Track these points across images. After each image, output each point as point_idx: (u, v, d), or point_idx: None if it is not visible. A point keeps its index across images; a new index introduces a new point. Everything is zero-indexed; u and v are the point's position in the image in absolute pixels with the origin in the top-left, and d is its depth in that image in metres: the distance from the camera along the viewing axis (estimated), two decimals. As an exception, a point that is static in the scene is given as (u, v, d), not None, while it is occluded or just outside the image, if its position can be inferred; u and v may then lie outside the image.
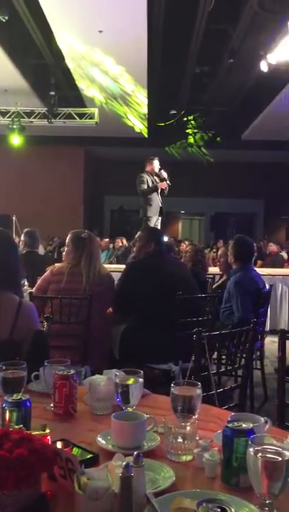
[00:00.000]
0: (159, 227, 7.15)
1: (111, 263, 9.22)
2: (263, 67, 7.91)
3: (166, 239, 7.63)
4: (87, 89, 10.84)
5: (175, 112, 12.27)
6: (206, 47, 8.62)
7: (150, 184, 7.07)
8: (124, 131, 12.93)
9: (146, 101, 10.86)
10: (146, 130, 12.65)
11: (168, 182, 7.11)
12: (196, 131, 13.73)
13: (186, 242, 7.50)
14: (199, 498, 0.94)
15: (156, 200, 7.13)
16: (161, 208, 7.19)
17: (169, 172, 7.27)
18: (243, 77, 9.85)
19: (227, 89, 10.74)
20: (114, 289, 3.57)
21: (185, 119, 13.03)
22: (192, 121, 13.29)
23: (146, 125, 12.62)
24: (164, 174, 7.14)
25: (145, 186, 7.03)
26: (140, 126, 12.34)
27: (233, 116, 12.42)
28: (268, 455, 1.04)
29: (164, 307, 3.35)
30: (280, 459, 1.03)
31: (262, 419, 1.40)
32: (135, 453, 1.07)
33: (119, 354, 3.45)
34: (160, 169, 7.20)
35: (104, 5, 6.76)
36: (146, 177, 7.09)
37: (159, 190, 7.06)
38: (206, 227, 18.76)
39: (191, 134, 13.83)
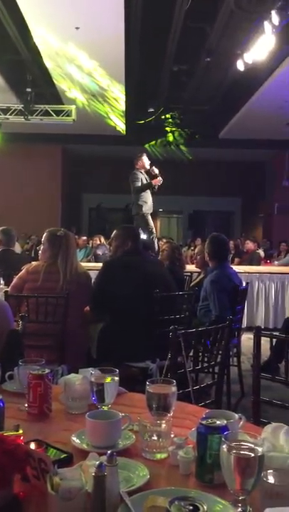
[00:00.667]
0: (150, 222, 7.18)
1: (89, 261, 9.17)
2: (240, 66, 7.96)
3: (144, 237, 7.66)
4: (68, 90, 10.81)
5: (153, 109, 12.27)
6: (184, 45, 8.64)
7: (144, 181, 7.03)
8: (102, 129, 12.88)
9: (124, 98, 10.83)
10: (124, 128, 12.63)
11: (160, 178, 7.05)
12: (174, 129, 13.77)
13: (164, 240, 7.50)
14: (172, 496, 0.94)
15: (150, 197, 7.12)
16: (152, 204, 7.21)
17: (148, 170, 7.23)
18: (220, 76, 9.90)
19: (205, 88, 10.78)
20: (92, 288, 3.56)
21: (163, 117, 13.05)
22: (170, 120, 13.32)
23: (125, 123, 12.59)
24: (156, 170, 7.10)
25: (139, 184, 6.98)
26: (122, 126, 12.30)
27: (211, 114, 12.48)
28: (241, 452, 1.05)
29: (141, 305, 3.35)
30: (253, 455, 1.04)
31: (236, 415, 1.41)
32: (108, 452, 1.06)
33: (97, 353, 3.44)
34: (151, 165, 7.16)
35: (80, 1, 6.71)
36: (139, 174, 7.05)
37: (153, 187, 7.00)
38: (184, 225, 18.83)
39: (169, 132, 13.86)
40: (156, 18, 7.85)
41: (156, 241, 7.42)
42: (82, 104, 11.35)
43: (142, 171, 7.12)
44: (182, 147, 14.39)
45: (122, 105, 11.35)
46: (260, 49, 7.25)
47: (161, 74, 10.05)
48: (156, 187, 7.05)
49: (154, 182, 6.97)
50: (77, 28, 7.47)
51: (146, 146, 14.34)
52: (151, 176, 7.09)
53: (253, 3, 6.60)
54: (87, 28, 7.45)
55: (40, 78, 10.30)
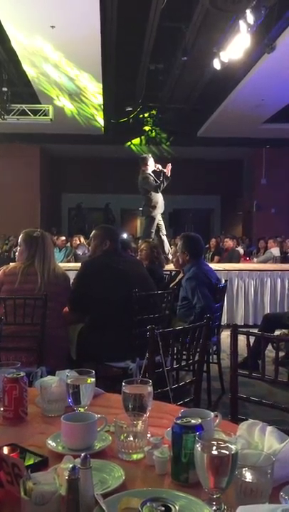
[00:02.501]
0: (162, 223, 7.34)
1: (69, 261, 9.11)
2: (216, 65, 8.01)
3: (125, 236, 7.65)
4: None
5: (131, 108, 12.26)
6: (160, 44, 8.66)
7: (154, 181, 7.18)
8: (80, 128, 12.82)
9: (101, 97, 10.79)
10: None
11: (165, 171, 7.19)
12: (152, 128, 13.78)
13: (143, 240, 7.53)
14: (146, 497, 0.94)
15: (161, 198, 7.28)
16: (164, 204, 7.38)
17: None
18: (197, 75, 9.94)
19: (182, 87, 10.82)
20: (70, 288, 3.54)
21: (141, 116, 13.05)
22: (148, 119, 13.33)
23: (103, 122, 12.56)
24: (160, 167, 7.28)
25: (154, 183, 7.14)
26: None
27: (189, 113, 12.53)
28: (214, 450, 1.05)
29: (121, 305, 3.35)
30: (226, 453, 1.04)
31: (212, 413, 1.41)
32: (82, 454, 1.06)
33: (77, 354, 3.43)
34: (156, 165, 7.34)
35: (56, 0, 6.66)
36: (149, 174, 7.22)
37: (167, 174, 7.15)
38: (164, 224, 18.85)
39: (148, 131, 13.87)
40: (132, 17, 7.84)
41: (166, 240, 7.65)
42: (70, 112, 11.40)
43: (150, 172, 7.29)
44: (164, 146, 14.41)
45: (100, 104, 11.31)
46: (235, 48, 7.31)
47: (139, 73, 10.05)
48: (167, 176, 7.17)
49: (167, 170, 7.14)
50: (52, 27, 7.41)
51: (132, 145, 14.34)
52: (158, 173, 7.25)
53: (228, 2, 6.64)
54: (62, 27, 7.40)
55: (16, 77, 10.21)
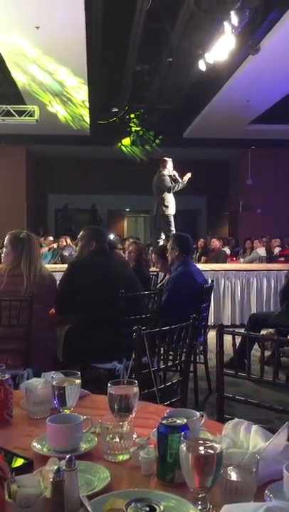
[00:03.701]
0: (173, 224, 7.42)
1: (55, 263, 9.08)
2: (202, 66, 8.04)
3: (112, 237, 7.65)
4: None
5: (117, 109, 12.24)
6: (146, 45, 8.66)
7: (170, 182, 7.35)
8: (67, 129, 12.78)
9: (87, 98, 10.77)
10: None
11: (179, 179, 7.42)
12: (138, 128, 13.78)
13: (130, 241, 7.54)
14: (131, 498, 0.94)
15: (174, 199, 7.43)
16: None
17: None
18: (183, 76, 9.97)
19: (168, 87, 10.83)
20: (57, 290, 3.53)
21: (127, 116, 13.04)
22: (134, 119, 13.32)
23: (89, 123, 12.53)
24: (176, 174, 7.47)
25: (169, 183, 7.31)
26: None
27: (175, 114, 12.55)
28: (199, 450, 1.06)
29: (107, 306, 3.34)
30: (211, 452, 1.04)
31: (197, 413, 1.42)
32: (67, 456, 1.06)
33: (63, 355, 3.42)
34: (172, 170, 7.51)
35: (40, 1, 6.62)
36: (166, 175, 7.39)
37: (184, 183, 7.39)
38: (151, 225, 18.88)
39: (133, 132, 13.87)
40: (118, 18, 7.84)
41: None
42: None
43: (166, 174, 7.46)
44: (155, 144, 14.42)
45: (85, 105, 11.28)
46: (220, 49, 7.35)
47: (124, 73, 10.04)
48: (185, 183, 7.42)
49: (184, 179, 7.38)
50: (37, 28, 7.38)
51: (122, 146, 14.33)
52: (173, 179, 7.43)
53: (213, 3, 6.67)
54: (47, 27, 7.37)
55: (1, 78, 10.14)
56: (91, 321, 3.35)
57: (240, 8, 6.49)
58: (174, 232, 7.32)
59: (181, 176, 7.49)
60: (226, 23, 6.72)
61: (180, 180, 7.39)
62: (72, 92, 10.45)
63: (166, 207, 7.35)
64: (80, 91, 10.37)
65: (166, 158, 7.63)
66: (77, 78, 9.55)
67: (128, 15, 7.55)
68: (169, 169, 7.50)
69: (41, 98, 10.65)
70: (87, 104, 11.00)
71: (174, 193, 7.54)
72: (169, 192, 7.34)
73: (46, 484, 1.04)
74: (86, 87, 10.07)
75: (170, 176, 7.45)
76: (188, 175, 7.49)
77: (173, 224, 7.47)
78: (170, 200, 7.40)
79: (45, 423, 1.37)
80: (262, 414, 2.70)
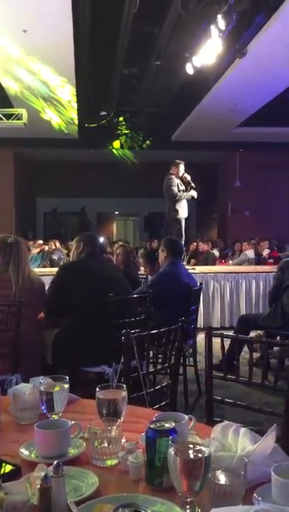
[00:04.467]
0: (183, 228, 7.37)
1: (44, 266, 9.03)
2: (189, 69, 8.07)
3: (101, 240, 7.61)
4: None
5: (105, 112, 12.24)
6: (133, 48, 8.67)
7: (179, 187, 7.26)
8: (55, 133, 12.76)
9: (75, 102, 10.76)
10: (73, 130, 12.58)
11: (192, 185, 7.35)
12: (127, 132, 13.80)
13: (118, 244, 7.55)
14: (119, 503, 0.93)
15: (185, 202, 7.35)
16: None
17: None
18: (170, 79, 9.99)
19: (156, 91, 10.86)
20: (46, 294, 3.52)
21: (116, 120, 13.05)
22: (123, 123, 13.34)
23: (77, 126, 12.52)
24: (188, 177, 7.37)
25: (176, 189, 7.21)
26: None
27: (163, 117, 12.58)
28: (188, 454, 1.06)
29: (97, 309, 3.34)
30: (199, 456, 1.04)
31: (186, 416, 1.42)
32: (55, 462, 1.05)
33: (52, 359, 3.40)
34: (184, 173, 7.40)
35: (27, 3, 6.61)
36: (175, 180, 7.28)
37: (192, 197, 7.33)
38: (140, 228, 18.91)
39: (122, 135, 13.88)
40: (105, 22, 7.84)
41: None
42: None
43: (176, 177, 7.37)
44: (129, 152, 14.47)
45: (74, 108, 11.27)
46: (208, 53, 7.37)
47: (112, 77, 10.05)
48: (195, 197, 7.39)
49: (194, 196, 7.32)
50: (24, 31, 7.36)
51: (114, 150, 14.33)
52: (185, 182, 7.35)
53: (200, 7, 6.68)
54: (35, 30, 7.35)
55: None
56: (80, 325, 3.35)
57: (227, 11, 6.52)
58: (184, 236, 7.38)
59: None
60: (213, 27, 6.75)
61: (192, 184, 7.32)
62: (61, 94, 10.43)
63: (177, 211, 7.27)
64: (68, 93, 10.35)
65: (177, 161, 7.52)
66: (64, 79, 9.51)
67: (116, 18, 7.56)
68: (179, 172, 7.39)
69: (34, 105, 10.63)
70: (74, 104, 10.98)
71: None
72: (173, 200, 7.24)
73: (34, 491, 1.03)
74: (74, 90, 10.05)
75: (182, 179, 7.36)
76: (187, 177, 7.38)
77: (183, 228, 7.41)
78: (181, 203, 7.31)
79: (33, 429, 1.36)
80: (251, 416, 2.70)
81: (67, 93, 10.24)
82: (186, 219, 7.50)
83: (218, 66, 8.27)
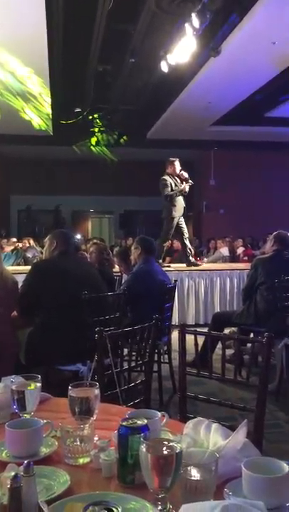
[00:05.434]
0: (184, 226, 7.44)
1: (18, 264, 8.93)
2: (164, 67, 8.08)
3: (77, 237, 7.53)
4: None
5: (80, 110, 12.16)
6: (108, 45, 8.63)
7: (173, 186, 7.27)
8: (28, 129, 12.60)
9: (49, 98, 10.65)
10: (45, 125, 12.42)
11: (190, 181, 7.37)
12: (102, 129, 13.74)
13: (91, 242, 7.51)
14: (90, 501, 0.93)
15: (180, 200, 7.34)
16: (184, 207, 7.49)
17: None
18: (145, 77, 9.99)
19: (131, 88, 10.83)
20: (19, 292, 3.48)
21: (91, 117, 12.98)
22: (98, 120, 13.27)
23: (50, 122, 12.39)
24: (185, 175, 7.37)
25: (169, 189, 7.25)
26: (38, 121, 12.06)
27: (138, 115, 12.57)
28: (159, 450, 1.06)
29: (71, 307, 3.32)
30: (170, 452, 1.05)
31: (158, 413, 1.42)
32: (25, 462, 1.04)
33: (26, 358, 3.37)
34: (180, 170, 7.40)
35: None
36: (168, 180, 7.31)
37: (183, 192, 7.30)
38: (115, 225, 18.86)
39: (97, 132, 13.82)
40: (79, 18, 7.78)
41: (188, 244, 7.81)
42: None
43: (172, 175, 7.39)
44: (106, 149, 14.43)
45: (47, 106, 11.16)
46: (182, 51, 7.39)
47: (87, 74, 9.98)
48: (186, 192, 7.38)
49: (184, 189, 7.31)
50: (-4, 25, 7.24)
51: (92, 147, 14.24)
52: (182, 180, 7.35)
53: (174, 5, 6.70)
54: (7, 26, 7.24)
55: None
56: (54, 323, 3.32)
57: (201, 10, 6.55)
58: (170, 236, 7.49)
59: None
60: (187, 25, 6.77)
61: (190, 181, 7.36)
62: (31, 85, 10.25)
63: (172, 210, 7.32)
64: (36, 84, 10.18)
65: (171, 159, 7.55)
66: (31, 70, 9.36)
67: (89, 15, 7.51)
68: (175, 170, 7.41)
69: (14, 104, 10.45)
70: (47, 99, 10.85)
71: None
72: (166, 199, 7.31)
73: (4, 491, 1.02)
74: (48, 87, 9.95)
75: (179, 177, 7.38)
76: (184, 174, 7.40)
77: (173, 229, 7.47)
78: (177, 203, 7.34)
79: (3, 429, 1.35)
80: (226, 412, 2.73)
81: (36, 84, 10.06)
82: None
83: (192, 64, 8.31)
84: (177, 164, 7.45)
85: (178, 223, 7.44)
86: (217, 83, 9.38)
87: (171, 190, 7.27)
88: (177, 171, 7.41)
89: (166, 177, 7.35)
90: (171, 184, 7.29)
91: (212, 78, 9.13)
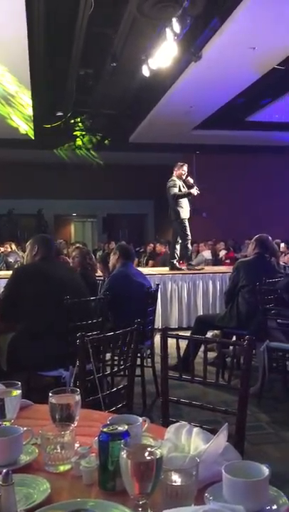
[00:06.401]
0: (188, 228, 7.47)
1: (0, 269, 8.86)
2: (145, 71, 8.10)
3: (59, 242, 7.46)
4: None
5: (62, 113, 12.12)
6: (89, 49, 8.63)
7: (181, 188, 7.41)
8: (9, 133, 12.52)
9: (30, 102, 10.59)
10: (32, 132, 12.38)
11: (197, 189, 7.48)
12: (83, 133, 13.71)
13: (74, 246, 7.50)
14: (69, 509, 0.92)
15: (188, 203, 7.49)
16: (190, 210, 7.60)
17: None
18: (127, 81, 10.01)
19: (113, 92, 10.84)
20: (0, 296, 3.45)
21: (72, 121, 12.95)
22: (80, 124, 13.25)
23: (33, 127, 12.33)
24: (191, 180, 7.53)
25: (177, 190, 7.38)
26: (25, 128, 12.05)
27: (120, 119, 12.58)
28: (139, 456, 1.05)
29: (53, 312, 3.30)
30: (151, 458, 1.04)
31: (140, 419, 1.41)
32: (4, 471, 1.02)
33: (7, 364, 3.33)
34: (186, 176, 7.56)
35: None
36: (177, 181, 7.44)
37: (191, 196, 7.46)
38: (98, 229, 18.83)
39: (79, 136, 13.79)
40: (60, 22, 7.77)
41: (190, 247, 7.90)
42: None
43: (180, 178, 7.54)
44: (92, 152, 14.41)
45: (29, 110, 11.10)
46: (163, 55, 7.44)
47: (68, 77, 9.96)
48: (193, 195, 7.48)
49: (194, 192, 7.42)
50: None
51: (56, 150, 14.19)
52: (187, 185, 7.49)
53: (155, 10, 6.74)
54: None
55: None
56: (36, 328, 3.29)
57: (182, 15, 6.60)
58: (189, 236, 7.55)
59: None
60: (168, 30, 6.81)
61: (195, 186, 7.46)
62: (6, 84, 10.16)
63: (179, 211, 7.40)
64: (12, 82, 10.11)
65: (180, 163, 7.71)
66: (5, 68, 9.29)
67: (71, 19, 7.50)
68: (182, 174, 7.54)
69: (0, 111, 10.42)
70: (27, 99, 10.79)
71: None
72: (173, 199, 7.42)
73: (-17, 501, 1.01)
74: (29, 91, 9.89)
75: (184, 181, 7.51)
76: (190, 180, 7.55)
77: (188, 228, 7.53)
78: (183, 204, 7.44)
79: (-17, 437, 1.33)
80: (209, 415, 2.73)
81: (12, 82, 9.97)
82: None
83: (173, 69, 8.36)
84: (185, 168, 7.64)
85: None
86: (198, 88, 9.44)
87: (179, 190, 7.40)
88: (184, 176, 7.57)
89: (175, 178, 7.53)
90: (179, 186, 7.46)
91: (193, 83, 9.19)
